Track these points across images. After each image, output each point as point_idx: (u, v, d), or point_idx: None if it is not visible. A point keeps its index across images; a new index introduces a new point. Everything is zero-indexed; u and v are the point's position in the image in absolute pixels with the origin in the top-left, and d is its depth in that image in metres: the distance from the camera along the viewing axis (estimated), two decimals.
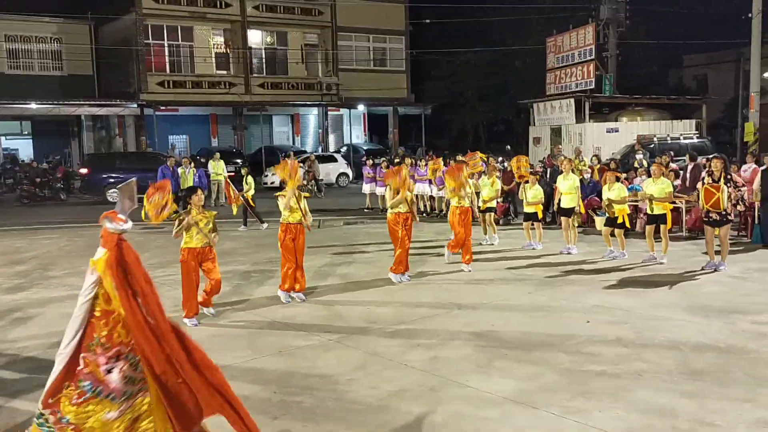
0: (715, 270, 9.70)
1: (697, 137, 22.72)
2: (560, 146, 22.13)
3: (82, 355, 3.40)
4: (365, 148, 30.84)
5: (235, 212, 13.73)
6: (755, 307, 7.78)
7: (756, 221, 12.56)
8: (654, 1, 33.16)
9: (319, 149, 32.20)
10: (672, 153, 16.63)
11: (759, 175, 12.91)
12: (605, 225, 11.33)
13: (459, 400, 5.32)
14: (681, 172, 15.27)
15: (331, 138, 34.61)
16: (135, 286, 3.36)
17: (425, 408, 5.17)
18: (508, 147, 27.09)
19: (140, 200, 5.82)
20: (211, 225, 7.58)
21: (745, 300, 8.12)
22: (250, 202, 14.61)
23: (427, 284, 9.47)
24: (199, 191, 7.61)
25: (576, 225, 11.96)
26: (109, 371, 3.40)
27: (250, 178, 15.04)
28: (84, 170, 23.29)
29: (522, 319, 7.54)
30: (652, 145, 20.42)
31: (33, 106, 26.74)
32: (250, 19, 30.33)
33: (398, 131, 34.56)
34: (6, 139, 31.62)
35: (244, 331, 7.38)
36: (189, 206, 7.51)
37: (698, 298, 8.30)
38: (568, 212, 11.61)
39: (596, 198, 14.11)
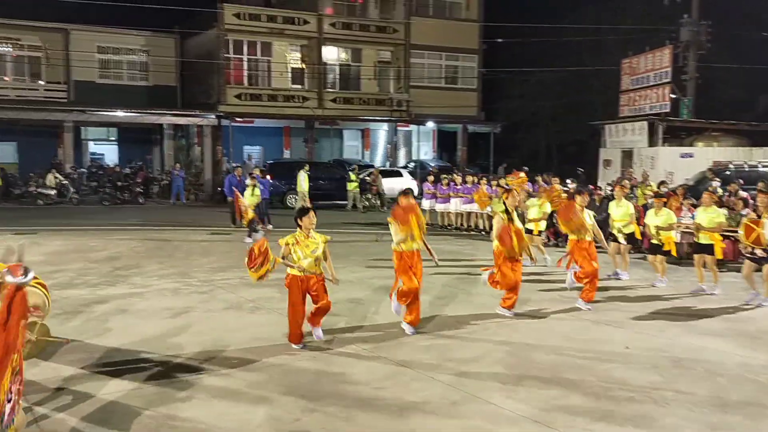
0: (759, 306, 9.22)
1: None
2: (631, 170, 21.63)
3: None
4: (433, 164, 31.00)
5: (245, 224, 14.45)
6: None
7: None
8: (737, 23, 31.97)
9: (387, 164, 32.61)
10: (742, 181, 15.98)
11: None
12: (650, 252, 11.03)
13: (478, 416, 5.39)
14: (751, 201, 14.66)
15: (401, 153, 34.99)
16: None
17: (443, 421, 5.27)
18: (581, 170, 26.62)
19: (254, 260, 6.91)
20: (320, 251, 6.87)
21: None
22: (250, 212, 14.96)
23: (470, 298, 9.52)
24: (311, 213, 6.93)
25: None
26: None
27: (257, 190, 15.42)
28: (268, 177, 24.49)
29: (560, 341, 7.51)
30: (728, 173, 19.68)
31: (120, 114, 28.37)
32: (326, 35, 31.18)
33: (467, 149, 34.57)
34: (94, 144, 33.65)
35: (283, 335, 7.66)
36: (300, 229, 6.94)
37: (747, 330, 8.03)
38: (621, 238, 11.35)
39: None
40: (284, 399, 5.69)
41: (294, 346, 7.05)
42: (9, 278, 3.99)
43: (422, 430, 5.10)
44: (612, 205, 11.76)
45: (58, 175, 25.24)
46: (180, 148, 33.00)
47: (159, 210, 23.29)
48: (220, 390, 5.89)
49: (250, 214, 14.63)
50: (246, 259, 6.99)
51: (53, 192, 24.53)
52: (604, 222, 13.47)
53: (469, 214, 18.19)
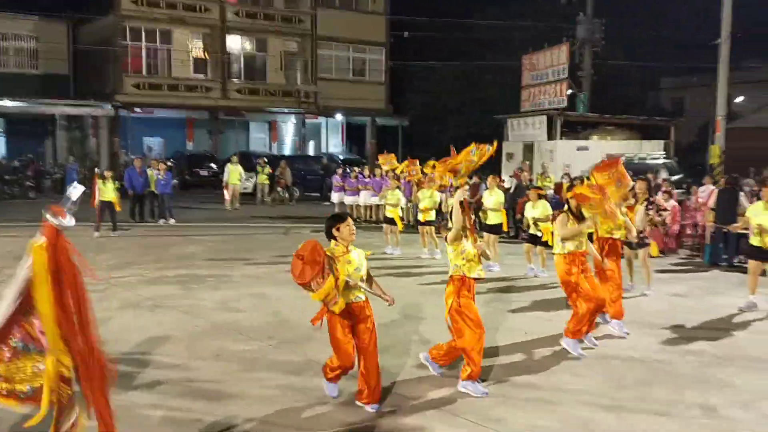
0: (642, 294, 9.54)
1: (664, 158, 23.10)
2: (527, 162, 22.43)
3: (19, 320, 3.74)
4: (342, 157, 30.94)
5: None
6: (690, 324, 7.98)
7: (708, 242, 12.84)
8: (631, 24, 33.77)
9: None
10: (631, 172, 16.87)
11: (714, 195, 13.23)
12: (527, 242, 11.38)
13: (385, 407, 5.39)
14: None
15: (309, 146, 34.70)
16: (61, 274, 3.74)
17: (343, 416, 5.25)
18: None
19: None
20: (363, 271, 5.28)
21: (680, 317, 8.31)
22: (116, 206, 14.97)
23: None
24: (350, 219, 5.32)
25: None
26: (42, 331, 3.72)
27: (109, 183, 15.00)
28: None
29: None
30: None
31: (7, 103, 26.55)
32: (229, 24, 30.41)
33: (376, 142, 34.74)
34: None
35: (184, 333, 7.41)
36: (335, 242, 5.24)
37: (638, 314, 8.45)
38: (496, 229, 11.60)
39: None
40: (185, 398, 5.50)
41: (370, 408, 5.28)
42: (50, 218, 3.75)
43: (326, 418, 5.05)
44: (486, 194, 12.00)
45: None
46: (74, 140, 31.28)
47: (52, 205, 21.98)
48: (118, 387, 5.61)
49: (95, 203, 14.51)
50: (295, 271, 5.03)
51: None
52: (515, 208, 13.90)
53: (378, 206, 18.27)
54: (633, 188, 9.89)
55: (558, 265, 6.98)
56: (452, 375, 6.10)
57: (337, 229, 5.21)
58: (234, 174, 21.21)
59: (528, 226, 11.19)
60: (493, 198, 11.62)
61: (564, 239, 6.87)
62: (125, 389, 5.71)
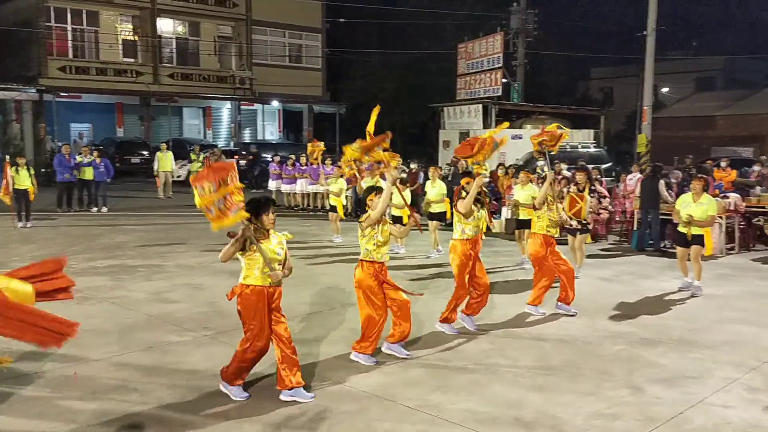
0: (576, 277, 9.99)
1: (594, 146, 23.80)
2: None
3: None
4: (277, 144, 30.57)
5: (9, 202, 13.94)
6: (617, 308, 8.28)
7: (635, 228, 13.33)
8: (562, 15, 34.57)
9: (231, 144, 31.67)
10: (567, 161, 17.35)
11: (639, 183, 13.73)
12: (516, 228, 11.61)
13: (324, 395, 5.39)
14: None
15: (245, 133, 34.10)
16: None
17: (285, 401, 5.22)
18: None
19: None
20: (283, 254, 5.24)
21: (609, 301, 8.61)
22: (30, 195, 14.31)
23: (316, 283, 9.52)
24: (271, 210, 5.19)
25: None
26: None
27: (23, 170, 14.35)
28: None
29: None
30: (552, 153, 21.22)
31: None
32: (160, 6, 29.46)
33: (313, 129, 34.46)
34: None
35: (116, 326, 7.20)
36: (255, 224, 5.08)
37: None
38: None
39: (495, 202, 14.66)
40: (115, 392, 5.35)
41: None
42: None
43: (261, 412, 5.01)
44: (427, 185, 12.27)
45: None
46: None
47: None
48: (46, 385, 5.41)
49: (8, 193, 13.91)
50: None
51: None
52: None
53: (315, 194, 18.17)
54: (574, 178, 10.21)
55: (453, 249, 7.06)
56: (387, 361, 6.15)
57: (260, 214, 5.10)
58: (164, 162, 20.66)
59: (513, 208, 11.45)
60: (435, 190, 11.89)
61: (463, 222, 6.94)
62: (54, 385, 5.52)
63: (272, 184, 19.11)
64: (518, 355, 6.44)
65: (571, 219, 9.64)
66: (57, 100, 26.93)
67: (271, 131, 35.22)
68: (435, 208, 11.93)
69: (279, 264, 5.16)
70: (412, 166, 17.54)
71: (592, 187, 10.42)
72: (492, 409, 5.17)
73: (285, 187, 18.64)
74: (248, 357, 5.21)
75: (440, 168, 17.22)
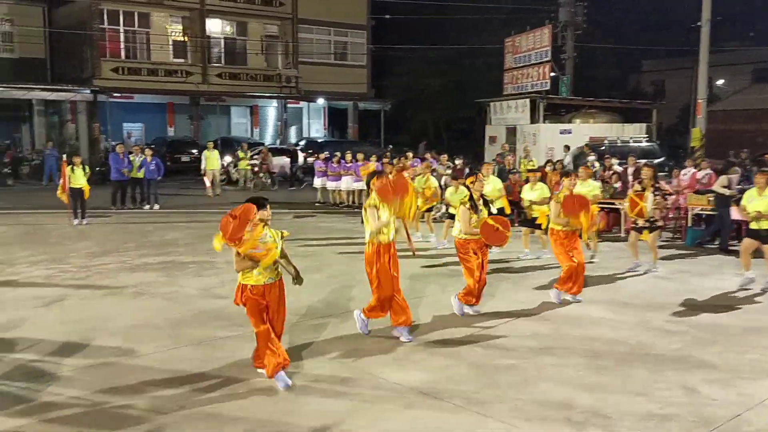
0: (646, 272, 9.90)
1: (646, 141, 23.22)
2: (506, 144, 22.45)
3: None
4: (321, 141, 30.76)
5: (66, 200, 14.40)
6: (671, 307, 8.05)
7: (689, 224, 12.95)
8: (612, 6, 33.78)
9: (278, 142, 32.04)
10: (619, 156, 16.99)
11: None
12: (524, 225, 11.49)
13: (367, 391, 5.41)
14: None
15: (291, 131, 34.45)
16: None
17: (331, 398, 5.25)
18: (423, 144, 29.75)
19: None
20: (279, 249, 5.49)
21: (663, 300, 8.38)
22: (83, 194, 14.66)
23: (361, 281, 9.52)
24: (267, 206, 5.51)
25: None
26: None
27: (78, 170, 14.71)
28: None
29: (445, 315, 7.66)
30: (602, 148, 20.81)
31: None
32: (209, 7, 29.97)
33: (358, 126, 34.58)
34: None
35: (167, 321, 7.35)
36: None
37: (620, 296, 8.55)
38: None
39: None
40: (168, 387, 5.47)
41: (280, 383, 5.49)
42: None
43: (307, 409, 5.04)
44: (526, 188, 12.09)
45: None
46: (52, 126, 30.81)
47: (30, 192, 21.72)
48: (99, 378, 5.57)
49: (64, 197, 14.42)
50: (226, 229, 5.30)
51: None
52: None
53: (360, 191, 18.23)
54: (639, 174, 10.06)
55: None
56: (431, 358, 6.12)
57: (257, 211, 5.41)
58: (211, 160, 21.03)
59: (525, 208, 11.33)
60: (491, 186, 11.66)
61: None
62: (109, 377, 5.67)
63: (317, 182, 19.27)
64: (567, 354, 6.32)
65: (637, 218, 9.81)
66: (110, 101, 27.69)
67: (316, 129, 35.48)
68: (495, 205, 11.70)
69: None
70: (458, 162, 17.41)
71: (656, 185, 10.16)
72: (540, 408, 5.09)
73: (330, 185, 18.75)
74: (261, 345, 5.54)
75: (491, 163, 17.05)
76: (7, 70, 28.35)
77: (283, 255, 5.61)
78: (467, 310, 7.60)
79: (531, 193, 11.06)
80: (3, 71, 27.91)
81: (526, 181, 13.94)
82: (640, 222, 9.89)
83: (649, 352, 6.42)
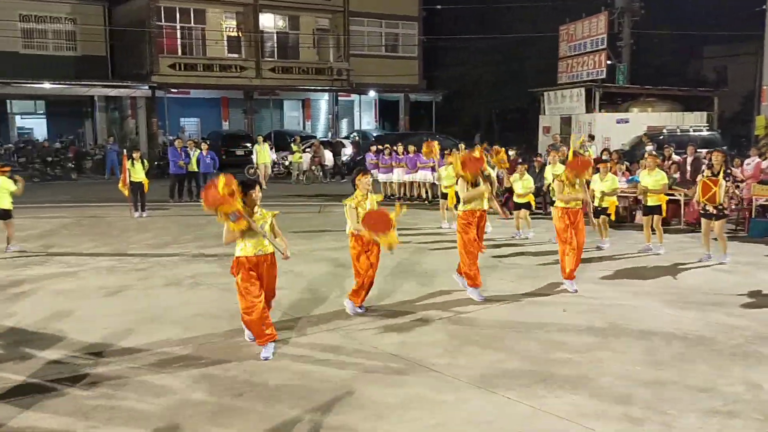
0: (720, 263, 9.65)
1: (707, 130, 22.46)
2: (557, 135, 22.06)
3: None
4: (375, 134, 30.85)
5: (127, 194, 14.82)
6: (732, 300, 7.79)
7: (754, 216, 12.50)
8: None
9: (329, 135, 32.29)
10: (675, 145, 16.47)
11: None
12: (595, 216, 11.31)
13: (420, 383, 5.42)
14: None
15: (343, 124, 34.67)
16: None
17: (385, 390, 5.28)
18: (478, 135, 28.49)
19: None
20: (267, 226, 6.18)
21: (724, 292, 8.12)
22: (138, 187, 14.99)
23: (409, 271, 9.55)
24: (257, 187, 6.24)
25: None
26: None
27: (138, 164, 15.02)
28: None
29: (499, 307, 7.61)
30: (661, 137, 20.23)
31: (46, 85, 27.04)
32: (262, 2, 30.38)
33: (409, 118, 34.53)
34: (21, 118, 32.10)
35: (224, 311, 7.52)
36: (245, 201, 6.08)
37: (681, 289, 8.32)
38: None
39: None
40: (223, 376, 5.60)
41: (264, 353, 6.05)
42: None
43: (362, 401, 5.09)
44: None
45: None
46: (113, 121, 31.83)
47: (93, 186, 22.51)
48: (162, 367, 5.75)
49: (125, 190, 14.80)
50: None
51: None
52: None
53: (411, 183, 18.22)
54: (709, 160, 9.80)
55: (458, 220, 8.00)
56: (483, 352, 6.08)
57: (247, 193, 6.08)
58: (262, 154, 21.35)
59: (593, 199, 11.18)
60: (520, 183, 12.19)
61: (465, 201, 7.80)
62: (171, 363, 5.84)
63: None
64: (625, 349, 6.19)
65: (705, 205, 9.62)
66: (168, 96, 28.42)
67: (367, 121, 35.59)
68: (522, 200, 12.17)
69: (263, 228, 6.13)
70: (511, 153, 17.19)
71: (727, 171, 9.85)
72: (598, 404, 5.00)
73: (382, 177, 18.75)
74: (245, 319, 6.17)
75: (540, 155, 16.90)
76: (70, 67, 29.39)
77: (274, 231, 6.26)
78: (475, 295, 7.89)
79: (602, 184, 10.88)
80: (66, 69, 28.95)
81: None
82: (710, 208, 9.58)
83: (711, 347, 6.23)
